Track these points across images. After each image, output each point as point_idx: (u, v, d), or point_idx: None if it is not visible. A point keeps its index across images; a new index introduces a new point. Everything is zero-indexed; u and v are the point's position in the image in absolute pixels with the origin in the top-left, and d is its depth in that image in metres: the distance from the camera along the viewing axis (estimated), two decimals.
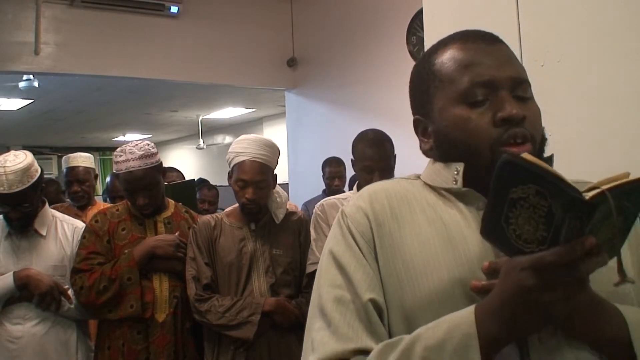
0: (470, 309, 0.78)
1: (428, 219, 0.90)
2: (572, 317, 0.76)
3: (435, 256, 0.86)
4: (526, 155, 0.73)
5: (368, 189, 0.97)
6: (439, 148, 0.93)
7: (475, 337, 0.74)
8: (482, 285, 0.81)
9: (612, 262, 0.75)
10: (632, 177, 0.71)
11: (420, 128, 0.97)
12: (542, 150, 0.89)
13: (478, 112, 0.86)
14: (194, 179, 3.82)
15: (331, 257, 0.91)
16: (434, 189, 0.94)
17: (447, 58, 0.91)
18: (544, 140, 0.90)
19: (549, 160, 0.89)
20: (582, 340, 0.79)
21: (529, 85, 0.89)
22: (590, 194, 0.69)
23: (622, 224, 0.74)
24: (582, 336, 0.78)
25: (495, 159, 0.81)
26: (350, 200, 0.98)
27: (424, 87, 0.93)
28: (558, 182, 0.69)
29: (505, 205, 0.75)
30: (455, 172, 0.90)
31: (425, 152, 0.97)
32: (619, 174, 0.72)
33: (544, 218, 0.71)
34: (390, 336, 0.85)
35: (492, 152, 0.85)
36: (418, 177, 1.00)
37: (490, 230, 0.79)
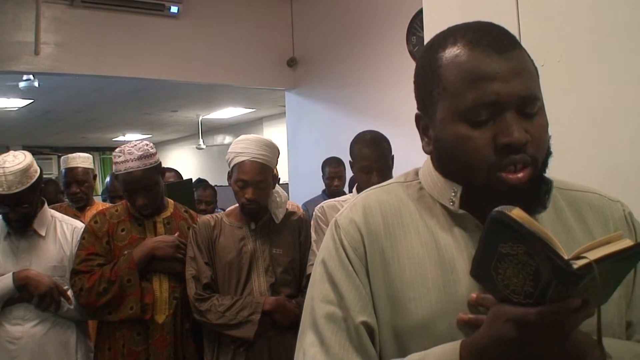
0: (456, 345, 0.80)
1: (421, 239, 0.89)
2: None
3: (424, 281, 0.86)
4: (517, 213, 0.73)
5: (362, 200, 0.96)
6: (438, 159, 0.92)
7: None
8: (468, 319, 0.83)
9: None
10: (622, 242, 0.72)
11: (421, 125, 0.93)
12: (545, 166, 0.86)
13: (480, 132, 0.82)
14: (190, 179, 3.81)
15: (324, 269, 0.91)
16: (430, 196, 0.93)
17: (454, 63, 0.84)
18: (548, 154, 0.87)
19: (548, 184, 0.87)
20: None
21: (539, 98, 0.84)
22: (579, 263, 0.69)
23: (611, 283, 0.75)
24: None
25: (491, 183, 0.82)
26: (344, 208, 0.96)
27: (428, 87, 0.88)
28: (547, 249, 0.70)
29: (494, 256, 0.76)
30: (453, 194, 0.89)
31: (428, 154, 0.95)
32: (613, 235, 0.73)
33: (531, 275, 0.72)
34: (380, 353, 0.87)
35: (489, 176, 0.82)
36: (417, 174, 0.98)
37: (479, 274, 0.81)
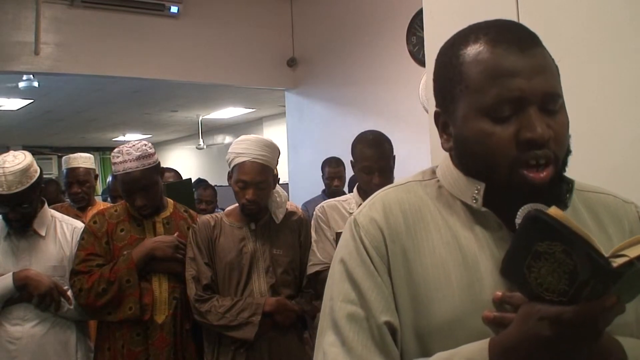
0: (484, 344, 0.79)
1: (443, 239, 0.88)
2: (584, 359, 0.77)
3: (447, 281, 0.85)
4: (556, 212, 0.73)
5: (382, 198, 0.94)
6: (459, 156, 0.90)
7: None
8: (493, 317, 0.82)
9: None
10: None
11: (440, 122, 0.92)
12: (565, 165, 0.86)
13: (502, 128, 0.82)
14: (190, 179, 3.81)
15: (343, 268, 0.90)
16: (450, 194, 0.91)
17: (476, 60, 0.84)
18: (568, 153, 0.86)
19: (569, 183, 0.87)
20: None
21: (560, 96, 0.84)
22: (618, 261, 0.69)
23: None
24: None
25: (513, 179, 0.82)
26: (362, 206, 0.94)
27: (449, 85, 0.88)
28: (587, 248, 0.70)
29: (529, 254, 0.75)
30: (476, 191, 0.87)
31: (447, 151, 0.94)
32: None
33: (567, 274, 0.72)
34: (402, 353, 0.86)
35: (510, 172, 0.82)
36: (434, 173, 0.96)
37: (510, 272, 0.80)
